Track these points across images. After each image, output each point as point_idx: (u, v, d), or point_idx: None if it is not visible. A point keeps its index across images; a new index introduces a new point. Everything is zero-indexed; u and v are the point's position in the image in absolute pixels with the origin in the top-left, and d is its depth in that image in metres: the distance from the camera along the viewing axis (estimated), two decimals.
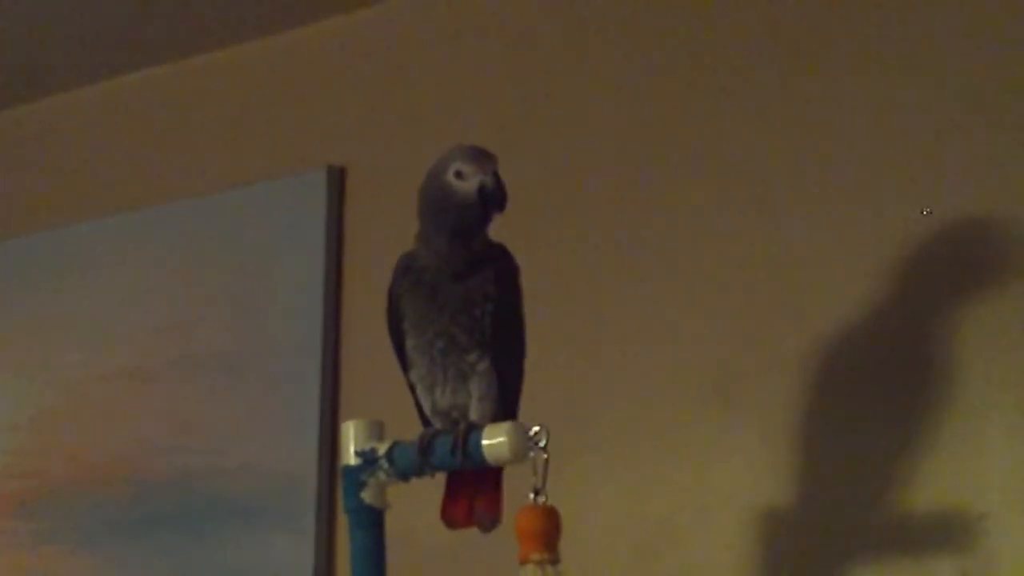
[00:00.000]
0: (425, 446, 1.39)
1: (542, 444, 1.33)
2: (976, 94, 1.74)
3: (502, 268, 1.45)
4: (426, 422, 1.46)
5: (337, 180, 2.22)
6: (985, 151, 1.71)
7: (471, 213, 1.42)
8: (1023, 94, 1.71)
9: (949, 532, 1.62)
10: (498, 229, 1.47)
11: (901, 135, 1.77)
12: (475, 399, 1.42)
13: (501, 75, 2.13)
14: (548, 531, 1.31)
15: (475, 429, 1.37)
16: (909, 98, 1.78)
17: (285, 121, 2.33)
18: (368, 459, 1.41)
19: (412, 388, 1.47)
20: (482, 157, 1.43)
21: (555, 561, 1.31)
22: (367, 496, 1.41)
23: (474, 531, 1.46)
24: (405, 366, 1.47)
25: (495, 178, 1.41)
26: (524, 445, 1.33)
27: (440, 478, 1.44)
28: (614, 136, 2.00)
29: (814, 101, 1.84)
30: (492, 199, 1.42)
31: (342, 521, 1.75)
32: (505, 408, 1.43)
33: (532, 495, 1.33)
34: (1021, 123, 1.70)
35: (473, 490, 1.44)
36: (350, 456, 1.42)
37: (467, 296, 1.42)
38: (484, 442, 1.35)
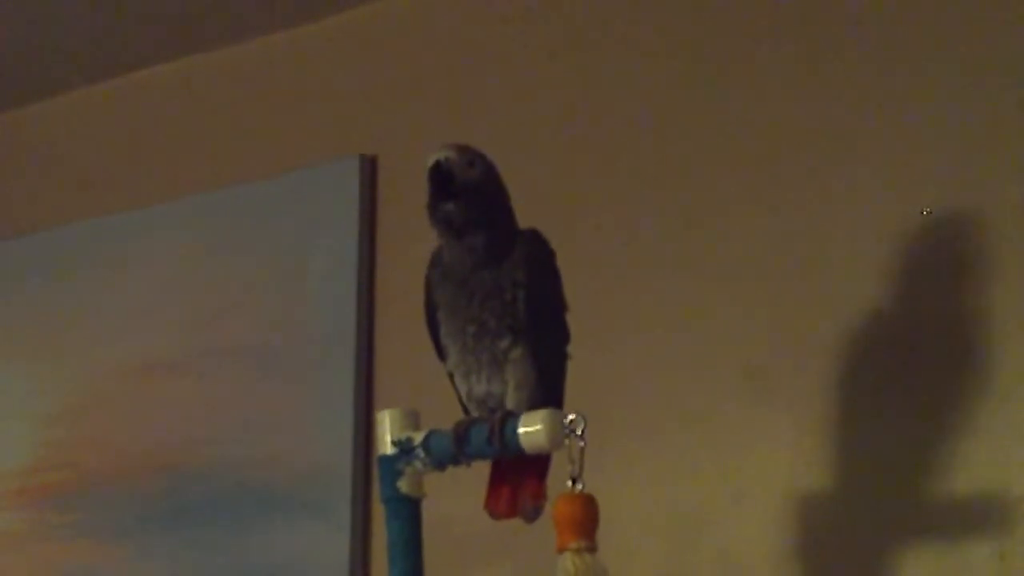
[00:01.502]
0: (461, 435, 1.39)
1: (579, 432, 1.32)
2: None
3: (532, 253, 1.44)
4: (466, 410, 1.46)
5: (369, 169, 2.22)
6: None
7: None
8: None
9: (986, 515, 1.61)
10: (526, 217, 1.48)
11: (936, 123, 1.76)
12: (511, 387, 1.41)
13: (532, 65, 2.12)
14: (586, 519, 1.31)
15: (511, 417, 1.36)
16: (946, 83, 1.77)
17: (316, 110, 2.33)
18: (404, 448, 1.41)
19: (451, 376, 1.47)
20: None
21: (592, 549, 1.30)
22: (403, 486, 1.41)
23: (510, 519, 1.45)
24: (442, 355, 1.47)
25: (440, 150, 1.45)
26: (560, 433, 1.32)
27: (477, 467, 1.43)
28: (645, 124, 1.99)
29: (846, 88, 1.84)
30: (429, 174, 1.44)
31: (378, 511, 1.75)
32: (547, 394, 1.42)
33: (570, 483, 1.32)
34: None
35: (516, 480, 1.43)
36: (386, 445, 1.42)
37: (497, 282, 1.41)
38: (520, 430, 1.34)
